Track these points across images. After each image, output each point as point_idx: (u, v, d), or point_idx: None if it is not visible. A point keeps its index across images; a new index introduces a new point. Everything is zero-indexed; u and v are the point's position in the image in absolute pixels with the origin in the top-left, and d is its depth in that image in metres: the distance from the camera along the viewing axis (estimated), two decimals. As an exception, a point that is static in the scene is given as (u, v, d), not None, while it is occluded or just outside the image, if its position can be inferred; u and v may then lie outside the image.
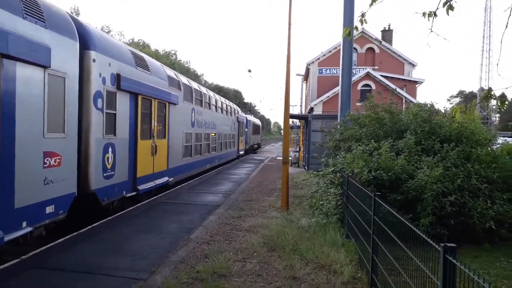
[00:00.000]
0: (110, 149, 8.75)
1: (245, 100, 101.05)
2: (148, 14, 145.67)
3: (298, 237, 7.19)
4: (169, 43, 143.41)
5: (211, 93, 21.03)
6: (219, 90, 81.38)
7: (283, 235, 7.22)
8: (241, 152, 31.52)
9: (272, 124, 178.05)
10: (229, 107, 25.75)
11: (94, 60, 8.08)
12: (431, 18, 3.46)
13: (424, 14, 3.55)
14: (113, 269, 5.64)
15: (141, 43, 72.37)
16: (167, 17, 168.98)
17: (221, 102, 23.10)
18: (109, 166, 8.69)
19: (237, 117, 29.01)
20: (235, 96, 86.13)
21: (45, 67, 6.28)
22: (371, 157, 7.86)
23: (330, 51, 31.11)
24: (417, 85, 29.51)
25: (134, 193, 10.05)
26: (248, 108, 60.73)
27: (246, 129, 35.66)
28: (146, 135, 10.79)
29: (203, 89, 18.92)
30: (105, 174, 8.54)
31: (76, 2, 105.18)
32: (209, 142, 19.16)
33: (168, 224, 8.37)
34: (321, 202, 9.06)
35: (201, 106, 17.45)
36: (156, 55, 63.64)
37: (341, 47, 12.10)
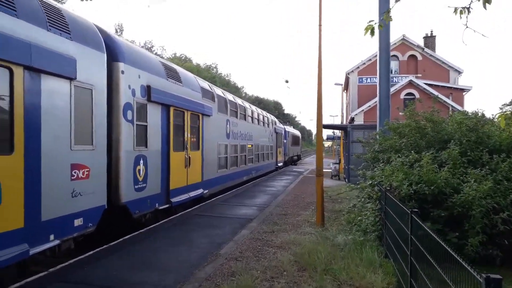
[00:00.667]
0: (141, 161, 8.71)
1: (285, 112, 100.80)
2: (190, 29, 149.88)
3: (331, 256, 6.76)
4: (210, 57, 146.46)
5: (247, 104, 20.84)
6: (259, 102, 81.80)
7: (316, 253, 6.81)
8: (280, 164, 31.01)
9: (313, 136, 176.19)
10: (266, 118, 25.43)
11: (122, 72, 8.08)
12: (464, 15, 3.05)
13: (455, 10, 3.14)
14: (138, 284, 5.51)
15: (183, 58, 74.37)
16: (208, 31, 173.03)
17: (258, 113, 22.83)
18: (140, 179, 8.65)
19: (275, 128, 28.58)
20: (275, 107, 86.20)
21: (71, 79, 6.30)
22: (412, 170, 7.32)
23: (370, 59, 30.29)
24: (464, 93, 28.01)
25: (167, 205, 9.94)
26: (287, 119, 60.25)
27: (285, 141, 35.00)
28: (179, 147, 10.73)
29: (238, 100, 18.80)
30: (136, 187, 8.49)
31: (120, 19, 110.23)
32: (245, 154, 18.97)
33: (198, 238, 8.19)
34: (359, 218, 8.57)
35: (237, 117, 17.32)
36: (197, 69, 65.08)
37: (378, 51, 11.57)
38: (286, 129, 36.90)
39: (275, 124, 29.39)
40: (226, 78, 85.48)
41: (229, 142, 16.09)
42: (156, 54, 59.18)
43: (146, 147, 8.98)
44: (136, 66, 8.65)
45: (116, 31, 54.51)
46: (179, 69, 11.68)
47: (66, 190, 6.23)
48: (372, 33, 4.77)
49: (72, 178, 6.37)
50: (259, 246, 7.64)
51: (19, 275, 5.73)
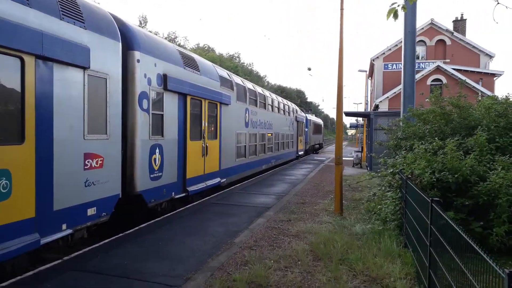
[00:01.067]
0: (157, 150, 8.64)
1: (308, 100, 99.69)
2: (213, 19, 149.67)
3: (348, 245, 6.54)
4: (233, 46, 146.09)
5: (267, 93, 20.58)
6: (281, 90, 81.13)
7: (332, 242, 6.61)
8: (301, 153, 30.56)
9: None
10: (286, 107, 25.02)
11: (138, 61, 7.98)
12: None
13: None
14: (149, 274, 5.44)
15: (206, 48, 74.37)
16: (231, 20, 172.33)
17: (278, 101, 22.50)
18: (156, 168, 8.59)
19: (296, 116, 28.19)
20: (297, 96, 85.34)
21: (84, 68, 6.23)
22: (435, 157, 6.96)
23: (396, 45, 29.37)
24: (495, 78, 26.80)
25: (184, 194, 9.89)
26: (309, 107, 59.35)
27: (306, 129, 34.49)
28: (196, 136, 10.66)
29: (258, 89, 18.55)
30: (152, 176, 8.45)
31: (144, 10, 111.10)
32: (264, 143, 18.82)
33: (214, 227, 8.11)
34: (379, 207, 8.29)
35: (256, 106, 17.14)
36: (220, 58, 65.00)
37: (403, 34, 11.07)
38: (308, 117, 36.28)
39: (296, 112, 28.93)
40: (249, 67, 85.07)
41: (248, 131, 15.95)
42: (179, 44, 59.38)
43: (162, 136, 8.91)
44: (152, 55, 8.54)
45: (140, 23, 54.81)
46: (196, 57, 11.52)
47: (78, 179, 6.19)
48: (396, 16, 4.43)
49: (86, 167, 6.33)
50: (274, 235, 7.49)
51: (33, 262, 5.78)
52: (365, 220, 8.30)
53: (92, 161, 6.48)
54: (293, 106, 28.48)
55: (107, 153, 6.87)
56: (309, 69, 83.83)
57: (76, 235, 6.37)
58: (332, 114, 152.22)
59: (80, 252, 6.29)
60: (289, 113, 25.55)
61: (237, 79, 15.14)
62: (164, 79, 8.92)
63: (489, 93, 22.15)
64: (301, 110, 36.02)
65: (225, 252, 6.46)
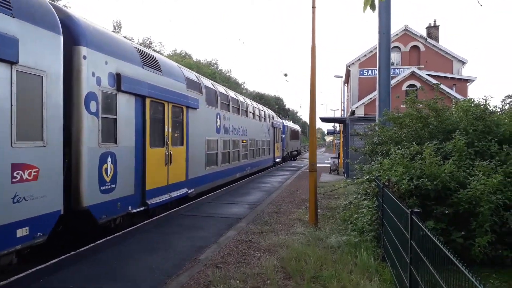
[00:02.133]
0: (109, 159, 7.67)
1: (286, 107, 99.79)
2: (190, 25, 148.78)
3: (322, 260, 6.01)
4: (210, 53, 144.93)
5: (241, 97, 19.72)
6: (260, 97, 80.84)
7: (305, 257, 6.08)
8: (278, 160, 29.86)
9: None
10: (262, 112, 24.19)
11: (84, 57, 7.06)
12: None
13: None
14: (96, 299, 4.78)
15: (183, 54, 73.50)
16: (208, 27, 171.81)
17: (253, 106, 21.66)
18: (108, 179, 7.61)
19: (272, 122, 27.47)
20: (276, 103, 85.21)
21: (11, 62, 5.32)
22: (413, 163, 6.55)
23: (371, 51, 29.42)
24: (468, 84, 27.13)
25: (143, 208, 8.84)
26: (287, 114, 59.06)
27: (283, 135, 33.83)
28: (157, 142, 9.70)
29: (231, 93, 17.73)
30: (102, 188, 7.46)
31: (118, 15, 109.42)
32: (238, 149, 17.93)
33: (179, 241, 7.46)
34: (355, 216, 7.83)
35: (229, 111, 16.34)
36: (197, 65, 64.27)
37: (378, 36, 10.75)
38: (285, 124, 35.76)
39: (273, 118, 28.26)
40: (227, 74, 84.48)
41: (220, 137, 15.05)
42: (154, 50, 58.40)
43: (116, 143, 7.94)
44: (103, 51, 7.65)
45: (115, 28, 53.60)
46: (159, 57, 10.66)
47: (4, 195, 5.20)
48: (373, 7, 3.93)
49: (14, 180, 5.33)
50: (244, 250, 6.90)
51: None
52: (341, 230, 7.82)
53: (23, 172, 5.50)
54: (269, 112, 27.73)
55: (44, 163, 5.86)
56: (286, 74, 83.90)
57: (2, 261, 5.37)
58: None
59: (23, 274, 5.54)
60: (265, 119, 24.81)
61: (206, 82, 14.33)
62: (117, 79, 8.01)
63: (462, 98, 22.25)
64: (278, 116, 35.41)
65: (187, 271, 5.83)
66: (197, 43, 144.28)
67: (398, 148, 7.50)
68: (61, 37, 6.39)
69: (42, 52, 5.93)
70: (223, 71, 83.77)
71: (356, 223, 7.54)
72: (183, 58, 64.52)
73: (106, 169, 7.58)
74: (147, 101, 9.15)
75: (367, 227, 7.00)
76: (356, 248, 6.34)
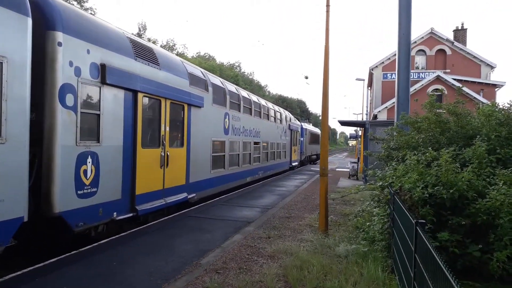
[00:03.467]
0: (89, 160, 6.80)
1: (309, 110, 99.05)
2: (214, 28, 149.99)
3: (327, 270, 5.70)
4: (233, 55, 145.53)
5: (254, 97, 18.78)
6: (282, 100, 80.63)
7: (309, 266, 5.78)
8: (295, 163, 28.52)
9: (338, 134, 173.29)
10: (278, 114, 23.11)
11: (60, 44, 6.25)
12: None
13: None
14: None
15: (206, 56, 74.13)
16: (231, 29, 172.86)
17: (268, 107, 20.65)
18: (87, 182, 6.77)
19: (289, 124, 26.27)
20: (298, 106, 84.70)
21: None
22: (428, 169, 6.15)
23: (395, 54, 28.56)
24: (496, 89, 26.11)
25: (131, 214, 7.95)
26: (307, 116, 58.16)
27: (302, 138, 32.60)
28: (151, 142, 8.85)
29: (243, 92, 16.84)
30: (80, 192, 6.61)
31: (144, 18, 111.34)
32: (250, 152, 17.00)
33: (181, 244, 7.28)
34: (368, 223, 7.48)
35: (239, 111, 15.47)
36: (220, 67, 64.62)
37: (397, 37, 10.33)
38: (304, 126, 34.43)
39: (290, 120, 26.90)
40: (250, 77, 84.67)
41: (228, 138, 14.13)
42: (178, 53, 59.05)
43: (98, 141, 7.08)
44: (84, 39, 6.80)
45: (140, 30, 54.49)
46: (156, 49, 9.76)
47: None
48: None
49: None
50: (247, 255, 6.65)
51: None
52: (351, 239, 7.46)
53: None
54: (286, 113, 26.42)
55: (2, 162, 5.07)
56: (306, 77, 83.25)
57: None
58: (333, 125, 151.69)
59: (14, 274, 5.45)
60: (281, 120, 23.69)
61: (214, 79, 13.38)
62: (102, 70, 7.12)
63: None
64: (296, 118, 34.42)
65: (185, 276, 5.63)
66: (219, 45, 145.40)
67: (414, 154, 7.11)
68: (29, 19, 5.57)
69: (2, 35, 5.16)
70: (245, 73, 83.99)
71: (368, 231, 7.20)
72: (206, 61, 65.01)
73: (85, 171, 6.77)
74: (140, 96, 8.28)
75: (378, 236, 6.65)
76: (364, 258, 6.00)
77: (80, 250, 6.68)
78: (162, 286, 5.25)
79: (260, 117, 18.80)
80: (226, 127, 13.98)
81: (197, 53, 72.52)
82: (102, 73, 7.15)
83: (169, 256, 6.53)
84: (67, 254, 6.41)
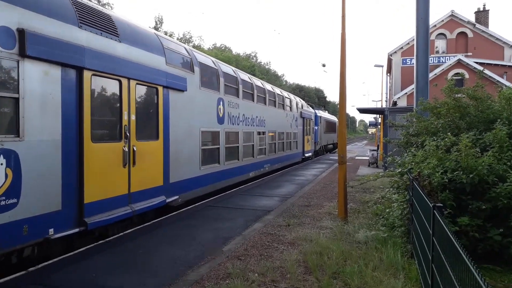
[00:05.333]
0: (3, 161, 5.03)
1: (327, 99, 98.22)
2: (226, 18, 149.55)
3: (347, 255, 5.79)
4: (249, 45, 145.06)
5: (258, 81, 16.66)
6: (300, 89, 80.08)
7: (329, 252, 5.87)
8: (308, 154, 26.37)
9: (357, 122, 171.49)
10: (287, 100, 20.84)
11: None
12: None
13: None
14: (113, 289, 4.84)
15: (222, 47, 74.16)
16: (244, 19, 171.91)
17: (275, 93, 18.50)
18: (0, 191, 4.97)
19: (301, 112, 23.95)
20: (316, 94, 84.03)
21: None
22: (448, 155, 6.13)
23: (413, 39, 28.17)
24: (520, 71, 25.34)
25: (77, 229, 6.14)
26: (322, 104, 56.86)
27: (316, 127, 30.31)
28: (107, 135, 7.08)
29: (242, 75, 14.61)
30: None
31: (160, 11, 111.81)
32: (253, 143, 15.10)
33: (204, 233, 7.47)
34: (387, 210, 7.51)
35: (237, 97, 13.52)
36: (236, 58, 64.55)
37: (415, 21, 10.18)
38: (318, 114, 31.92)
39: (302, 107, 24.56)
40: (266, 67, 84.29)
41: (224, 128, 12.21)
42: (194, 45, 59.28)
43: (18, 135, 5.27)
44: None
45: (156, 23, 54.87)
46: (116, 16, 7.76)
47: None
48: None
49: None
50: (268, 243, 6.78)
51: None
52: (371, 225, 7.51)
53: None
54: (297, 99, 24.06)
55: None
56: (324, 65, 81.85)
57: None
58: (352, 113, 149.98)
59: (48, 262, 5.74)
60: (291, 107, 21.42)
61: (202, 58, 11.32)
62: (20, 38, 5.28)
63: (514, 86, 20.83)
64: (309, 105, 31.59)
65: (208, 263, 5.80)
66: (235, 36, 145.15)
67: (433, 140, 7.07)
68: None
69: None
70: (262, 63, 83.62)
71: (388, 218, 7.24)
72: (222, 52, 65.05)
73: None
74: (87, 75, 6.41)
75: (397, 222, 6.69)
76: (383, 244, 6.06)
77: (106, 240, 6.94)
78: (186, 272, 5.43)
79: (265, 104, 16.95)
80: (221, 115, 12.03)
81: (213, 44, 72.59)
82: (21, 42, 5.30)
83: (191, 245, 6.71)
84: (94, 244, 6.68)
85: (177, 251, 6.39)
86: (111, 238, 7.10)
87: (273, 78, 76.04)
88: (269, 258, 5.92)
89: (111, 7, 39.31)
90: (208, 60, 11.73)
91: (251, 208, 9.78)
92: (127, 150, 7.34)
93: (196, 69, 10.41)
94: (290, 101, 21.69)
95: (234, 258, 5.98)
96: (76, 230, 6.17)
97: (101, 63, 6.74)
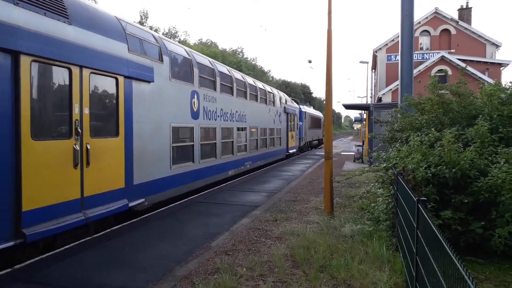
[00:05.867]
0: None
1: (313, 95, 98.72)
2: (212, 14, 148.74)
3: (333, 249, 5.88)
4: (235, 41, 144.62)
5: (237, 74, 15.75)
6: (286, 85, 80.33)
7: (315, 246, 5.96)
8: (292, 151, 25.86)
9: (343, 118, 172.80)
10: (271, 95, 20.12)
11: None
12: None
13: None
14: (102, 285, 4.82)
15: (208, 43, 73.81)
16: (230, 15, 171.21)
17: (257, 87, 17.69)
18: None
19: (285, 107, 23.36)
20: (302, 91, 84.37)
21: None
22: (432, 150, 6.27)
23: (398, 36, 28.47)
24: (501, 68, 25.96)
25: (11, 243, 5.20)
26: (307, 100, 56.92)
27: (301, 123, 29.72)
28: (54, 131, 6.18)
29: (220, 67, 13.76)
30: None
31: (145, 6, 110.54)
32: (232, 140, 14.33)
33: (192, 229, 7.48)
34: (372, 204, 7.64)
35: (215, 90, 12.64)
36: (222, 54, 64.35)
37: (400, 17, 10.32)
38: (303, 109, 31.36)
39: (286, 103, 24.02)
40: (252, 62, 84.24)
41: (199, 123, 11.29)
42: (179, 40, 58.84)
43: None
44: None
45: (141, 18, 54.30)
46: None
47: None
48: None
49: None
50: (255, 238, 6.84)
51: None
52: (356, 219, 7.63)
53: None
54: (280, 94, 23.51)
55: None
56: (310, 61, 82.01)
57: None
58: (338, 109, 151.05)
59: (35, 259, 5.69)
60: (274, 102, 20.69)
61: (174, 47, 10.44)
62: None
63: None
64: (294, 100, 30.76)
65: (196, 258, 5.83)
66: (221, 31, 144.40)
67: (418, 135, 7.21)
68: None
69: None
70: (248, 59, 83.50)
71: (373, 212, 7.37)
72: (208, 47, 64.77)
73: None
74: (25, 61, 5.51)
75: (382, 216, 6.81)
76: (369, 238, 6.17)
77: (93, 236, 6.91)
78: (174, 268, 5.45)
79: (246, 98, 16.09)
80: (195, 109, 11.07)
81: (199, 39, 72.23)
82: None
83: (180, 240, 6.73)
84: (82, 240, 6.64)
85: (167, 246, 6.40)
86: (99, 234, 7.07)
87: (260, 74, 76.07)
88: (257, 253, 5.98)
89: (94, 1, 38.68)
90: (180, 50, 10.80)
91: (239, 204, 9.83)
92: (78, 148, 6.39)
93: (166, 58, 9.54)
94: (273, 96, 20.98)
95: (222, 253, 6.02)
96: (11, 243, 5.19)
97: (45, 47, 5.80)
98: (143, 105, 8.42)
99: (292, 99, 30.78)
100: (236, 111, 14.72)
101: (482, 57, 26.51)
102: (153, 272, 5.28)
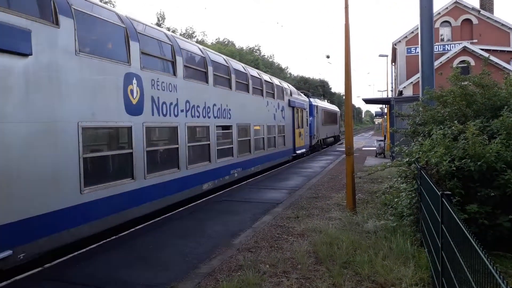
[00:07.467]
0: None
1: (332, 90, 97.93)
2: (228, 13, 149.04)
3: (356, 245, 5.84)
4: (252, 39, 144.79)
5: (217, 56, 12.43)
6: (304, 82, 79.83)
7: (338, 242, 5.93)
8: (300, 151, 21.82)
9: (363, 113, 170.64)
10: (268, 85, 16.60)
11: None
12: None
13: None
14: (127, 284, 4.93)
15: (225, 42, 74.19)
16: (246, 13, 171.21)
17: (248, 74, 14.27)
18: None
19: (289, 100, 19.70)
20: (321, 86, 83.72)
21: None
22: (455, 143, 6.14)
23: (418, 28, 27.92)
24: (527, 57, 25.07)
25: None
26: (322, 94, 55.68)
27: (311, 118, 25.72)
28: None
29: (185, 43, 10.38)
30: None
31: (162, 7, 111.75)
32: (208, 143, 10.90)
33: (213, 226, 7.56)
34: (396, 199, 7.53)
35: (174, 75, 9.14)
36: (239, 52, 64.56)
37: (419, 9, 10.12)
38: (314, 103, 27.30)
39: (291, 94, 20.38)
40: (270, 60, 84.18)
41: (144, 121, 7.90)
42: (197, 40, 59.25)
43: None
44: None
45: (158, 20, 55.00)
46: None
47: None
48: None
49: None
50: (277, 235, 6.86)
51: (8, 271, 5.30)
52: (379, 215, 7.55)
53: None
54: (283, 85, 19.63)
55: None
56: (328, 56, 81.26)
57: None
58: (358, 104, 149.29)
59: (63, 259, 5.85)
60: (273, 94, 17.07)
61: (83, 2, 6.66)
62: None
63: (521, 72, 20.62)
64: (302, 93, 25.94)
65: (220, 256, 5.89)
66: (238, 30, 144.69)
67: (440, 128, 7.07)
68: None
69: None
70: (266, 57, 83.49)
71: (396, 207, 7.26)
72: (225, 46, 65.05)
73: None
74: None
75: (406, 211, 6.71)
76: (392, 233, 6.10)
77: (119, 235, 7.05)
78: (198, 266, 5.51)
79: (231, 88, 12.62)
80: (134, 101, 7.73)
81: (216, 39, 72.66)
82: None
83: (202, 238, 6.81)
84: (107, 240, 6.78)
85: (189, 244, 6.50)
86: (122, 234, 7.21)
87: (277, 71, 75.91)
88: (280, 250, 6.00)
89: (113, 5, 39.36)
90: (98, 9, 7.14)
91: (259, 201, 9.86)
92: None
93: (65, 19, 6.06)
94: (273, 86, 17.23)
95: (245, 251, 6.06)
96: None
97: None
98: (10, 95, 5.10)
99: (302, 92, 26.93)
100: (214, 105, 11.29)
101: (506, 46, 25.74)
102: (177, 270, 5.37)
